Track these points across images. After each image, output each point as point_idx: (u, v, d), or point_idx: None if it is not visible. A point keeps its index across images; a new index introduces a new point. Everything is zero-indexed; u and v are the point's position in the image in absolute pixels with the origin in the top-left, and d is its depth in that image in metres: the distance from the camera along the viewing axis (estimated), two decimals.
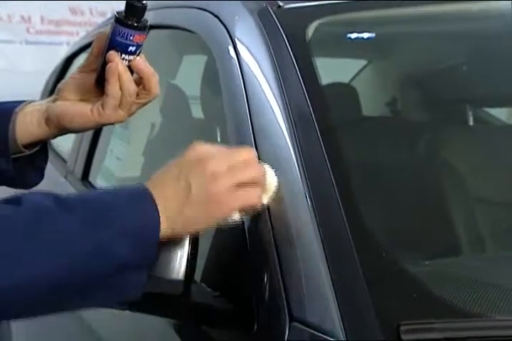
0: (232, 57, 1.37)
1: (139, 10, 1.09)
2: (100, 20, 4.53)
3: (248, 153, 1.03)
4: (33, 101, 1.22)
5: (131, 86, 1.12)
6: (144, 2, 1.10)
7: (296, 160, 1.14)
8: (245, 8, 1.46)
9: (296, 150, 1.15)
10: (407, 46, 1.70)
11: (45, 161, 1.25)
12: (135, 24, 1.10)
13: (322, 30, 1.46)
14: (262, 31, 1.36)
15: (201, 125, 1.93)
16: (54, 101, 1.18)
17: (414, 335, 0.93)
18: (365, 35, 1.63)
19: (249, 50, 1.36)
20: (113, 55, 1.11)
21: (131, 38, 1.10)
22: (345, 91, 1.81)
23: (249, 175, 1.00)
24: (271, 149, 1.16)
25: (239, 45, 1.38)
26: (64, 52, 3.14)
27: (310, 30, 1.41)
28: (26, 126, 1.17)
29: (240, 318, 1.08)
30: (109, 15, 4.74)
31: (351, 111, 1.64)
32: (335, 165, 1.13)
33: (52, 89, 2.70)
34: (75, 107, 1.16)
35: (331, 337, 0.94)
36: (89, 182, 2.17)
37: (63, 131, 1.19)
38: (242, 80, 1.31)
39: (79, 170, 2.22)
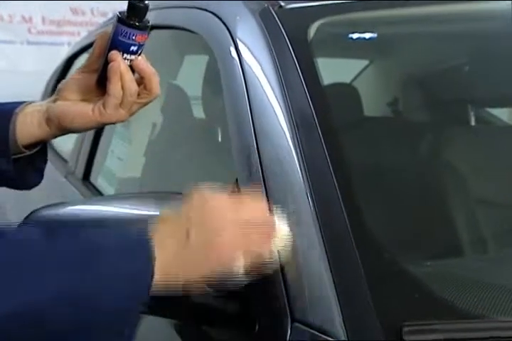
0: (233, 57, 1.36)
1: (141, 10, 1.10)
2: (101, 20, 4.53)
3: (256, 200, 1.00)
4: (33, 101, 1.22)
5: (132, 86, 1.13)
6: (146, 2, 1.11)
7: (298, 160, 1.13)
8: (247, 8, 1.46)
9: (298, 151, 1.15)
10: (409, 46, 1.70)
11: (45, 162, 1.25)
12: (137, 24, 1.10)
13: (324, 31, 1.46)
14: (264, 31, 1.36)
15: (202, 125, 1.93)
16: (54, 101, 1.18)
17: (416, 336, 0.93)
18: (367, 35, 1.63)
19: (250, 51, 1.36)
20: (115, 54, 1.11)
21: (134, 37, 1.11)
22: (346, 92, 1.81)
23: (257, 224, 0.96)
24: (272, 150, 1.16)
25: (240, 46, 1.37)
26: (65, 52, 3.14)
27: (311, 31, 1.40)
28: (27, 127, 1.17)
29: (241, 319, 1.08)
30: (110, 15, 4.74)
31: (353, 111, 1.64)
32: (337, 166, 1.13)
33: (53, 89, 2.69)
34: (76, 107, 1.16)
35: (333, 338, 0.94)
36: (90, 183, 2.17)
37: (64, 131, 1.19)
38: (243, 80, 1.31)
39: (80, 171, 2.22)
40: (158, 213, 0.99)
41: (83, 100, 1.17)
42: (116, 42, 1.11)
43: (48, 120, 1.17)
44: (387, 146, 1.42)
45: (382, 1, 1.55)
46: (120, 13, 1.11)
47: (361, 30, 1.59)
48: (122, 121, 1.18)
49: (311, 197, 1.08)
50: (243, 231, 0.93)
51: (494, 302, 1.02)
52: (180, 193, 1.12)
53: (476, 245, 1.32)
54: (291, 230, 1.01)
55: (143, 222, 0.94)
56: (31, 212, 1.10)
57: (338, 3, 1.53)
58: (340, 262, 1.01)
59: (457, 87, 1.71)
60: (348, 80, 2.03)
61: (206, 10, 1.56)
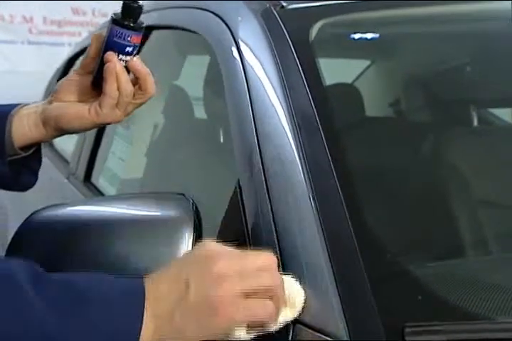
0: (235, 57, 1.36)
1: (136, 11, 1.11)
2: (102, 20, 4.53)
3: (265, 258, 0.91)
4: (28, 104, 1.23)
5: (128, 86, 1.14)
6: (140, 3, 1.12)
7: (300, 161, 1.13)
8: (248, 8, 1.46)
9: (300, 151, 1.14)
10: (411, 47, 1.70)
11: (40, 163, 1.26)
12: (132, 25, 1.12)
13: (325, 31, 1.46)
14: (266, 32, 1.36)
15: (204, 126, 1.93)
16: (50, 103, 1.19)
17: (418, 337, 0.93)
18: (369, 35, 1.63)
19: (252, 51, 1.36)
20: (111, 55, 1.12)
21: (129, 38, 1.12)
22: (348, 92, 1.81)
23: (262, 283, 0.88)
24: (274, 150, 1.15)
25: (242, 46, 1.37)
26: (66, 52, 3.14)
27: (313, 31, 1.40)
28: (23, 129, 1.18)
29: None
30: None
31: (355, 111, 1.64)
32: (338, 166, 1.13)
33: None
34: (72, 108, 1.17)
35: (335, 339, 0.94)
36: (92, 183, 2.17)
37: (60, 132, 1.20)
38: (245, 81, 1.30)
39: (81, 172, 2.22)
40: (158, 214, 0.99)
41: (79, 101, 1.18)
42: (112, 44, 1.13)
43: (45, 121, 1.18)
44: (388, 146, 1.42)
45: (384, 2, 1.55)
46: (115, 14, 1.12)
47: (363, 31, 1.59)
48: (118, 122, 1.19)
49: (313, 198, 1.08)
50: (246, 286, 0.86)
51: (496, 303, 1.01)
52: (182, 194, 1.13)
53: (479, 246, 1.31)
54: (305, 292, 0.95)
55: (138, 275, 0.87)
56: (32, 213, 1.10)
57: (339, 3, 1.53)
58: (343, 263, 1.01)
59: (459, 87, 1.71)
60: (349, 80, 2.03)
61: (208, 10, 1.56)
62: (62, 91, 1.19)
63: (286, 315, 0.93)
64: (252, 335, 0.88)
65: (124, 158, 2.11)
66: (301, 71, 1.27)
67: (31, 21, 5.70)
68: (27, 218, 1.09)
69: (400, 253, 1.14)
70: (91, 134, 2.16)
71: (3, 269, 0.82)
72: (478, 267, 1.21)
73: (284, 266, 1.03)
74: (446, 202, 1.34)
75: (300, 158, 1.14)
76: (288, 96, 1.23)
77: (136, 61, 1.14)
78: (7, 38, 5.64)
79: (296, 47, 1.31)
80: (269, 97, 1.26)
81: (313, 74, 1.29)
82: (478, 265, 1.23)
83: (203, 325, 0.83)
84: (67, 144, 2.51)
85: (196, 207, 0.99)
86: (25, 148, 1.20)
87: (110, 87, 1.13)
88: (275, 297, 0.89)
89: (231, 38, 1.41)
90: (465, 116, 1.73)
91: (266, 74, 1.29)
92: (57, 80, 2.53)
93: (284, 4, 1.44)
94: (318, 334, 0.96)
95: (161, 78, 1.99)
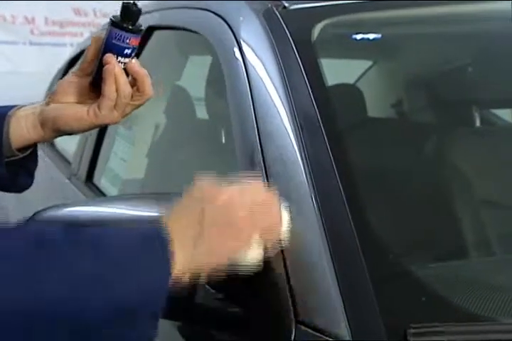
0: (237, 58, 1.36)
1: (135, 13, 1.12)
2: (104, 21, 4.53)
3: (256, 181, 1.03)
4: (24, 105, 1.23)
5: (126, 88, 1.15)
6: (139, 6, 1.13)
7: (302, 161, 1.13)
8: (250, 9, 1.46)
9: (302, 151, 1.14)
10: (413, 47, 1.69)
11: (36, 164, 1.26)
12: (130, 27, 1.13)
13: (328, 31, 1.46)
14: (268, 32, 1.36)
15: (206, 126, 1.93)
16: (47, 104, 1.20)
17: (420, 338, 0.93)
18: (371, 36, 1.63)
19: (254, 51, 1.36)
20: (110, 57, 1.13)
21: (128, 40, 1.13)
22: (350, 92, 1.80)
23: (262, 199, 0.99)
24: (277, 151, 1.15)
25: (244, 46, 1.37)
26: (67, 53, 3.14)
27: (315, 31, 1.40)
28: (20, 130, 1.19)
29: (246, 321, 1.08)
30: None
31: (357, 112, 1.64)
32: (340, 167, 1.13)
33: None
34: (70, 110, 1.18)
35: (337, 340, 0.94)
36: (94, 184, 2.17)
37: (58, 133, 1.21)
38: (247, 81, 1.30)
39: (83, 172, 2.22)
40: (162, 212, 0.99)
41: (77, 103, 1.19)
42: (111, 46, 1.14)
43: (43, 123, 1.19)
44: (390, 147, 1.42)
45: (386, 2, 1.55)
46: (114, 17, 1.14)
47: (365, 31, 1.59)
48: (115, 123, 1.20)
49: (315, 198, 1.08)
50: (254, 213, 0.96)
51: (499, 305, 1.01)
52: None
53: (481, 247, 1.31)
54: (290, 214, 1.03)
55: (155, 218, 0.94)
56: (34, 214, 1.10)
57: (342, 3, 1.52)
58: (345, 264, 1.01)
59: (462, 87, 1.71)
60: (351, 81, 2.03)
61: (210, 10, 1.56)
62: (60, 93, 1.20)
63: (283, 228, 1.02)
64: (263, 253, 0.98)
65: (125, 158, 2.11)
66: (303, 71, 1.27)
67: (33, 22, 5.70)
68: (28, 219, 1.09)
69: (403, 253, 1.14)
70: (93, 135, 2.16)
71: (32, 226, 0.91)
72: (481, 268, 1.21)
73: (287, 267, 1.03)
74: (449, 202, 1.34)
75: (302, 159, 1.13)
76: (290, 97, 1.23)
77: (134, 63, 1.16)
78: (9, 38, 5.64)
79: (298, 48, 1.31)
80: (271, 98, 1.26)
81: (315, 75, 1.29)
82: (481, 266, 1.23)
83: (225, 245, 0.94)
84: (68, 144, 2.51)
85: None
86: (22, 149, 1.20)
87: (109, 89, 1.14)
88: (277, 215, 1.00)
89: (233, 38, 1.41)
90: (467, 117, 1.73)
91: (268, 75, 1.29)
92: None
93: (286, 4, 1.44)
94: (321, 335, 0.96)
95: (163, 78, 2.00)
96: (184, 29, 1.72)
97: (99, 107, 1.15)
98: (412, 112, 1.80)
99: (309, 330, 0.98)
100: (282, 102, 1.23)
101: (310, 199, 1.08)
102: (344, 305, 0.96)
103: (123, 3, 1.12)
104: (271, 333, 1.03)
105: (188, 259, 0.91)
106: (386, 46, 1.76)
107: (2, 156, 1.18)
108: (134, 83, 1.16)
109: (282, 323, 1.01)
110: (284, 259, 1.05)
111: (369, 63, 2.15)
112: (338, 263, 1.00)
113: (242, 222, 0.95)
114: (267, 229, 0.98)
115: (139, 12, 1.12)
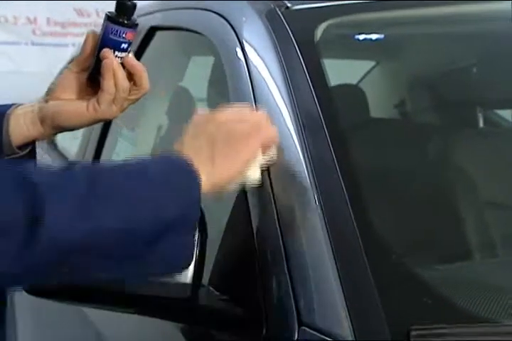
0: (239, 58, 1.36)
1: (130, 8, 1.14)
2: None
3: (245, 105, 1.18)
4: (22, 104, 1.24)
5: (125, 82, 1.16)
6: (134, 1, 1.15)
7: (305, 162, 1.13)
8: (253, 9, 1.46)
9: (305, 152, 1.14)
10: (416, 47, 1.69)
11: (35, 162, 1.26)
12: (126, 22, 1.15)
13: (330, 32, 1.46)
14: (270, 32, 1.36)
15: None
16: (46, 101, 1.21)
17: (424, 339, 0.93)
18: (374, 36, 1.63)
19: (257, 52, 1.35)
20: (107, 52, 1.15)
21: (124, 35, 1.15)
22: (353, 93, 1.80)
23: (257, 116, 1.10)
24: (279, 152, 1.15)
25: (246, 47, 1.37)
26: (69, 53, 3.14)
27: (318, 32, 1.40)
28: (20, 128, 1.20)
29: (248, 322, 1.08)
30: None
31: (359, 112, 1.64)
32: (343, 167, 1.13)
33: None
34: (70, 106, 1.19)
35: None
36: None
37: (58, 129, 1.22)
38: (249, 82, 1.30)
39: None
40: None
41: (75, 99, 1.20)
42: (107, 41, 1.15)
43: (42, 120, 1.20)
44: (393, 147, 1.41)
45: (389, 2, 1.55)
46: (109, 12, 1.15)
47: (368, 31, 1.58)
48: (114, 117, 1.22)
49: (318, 199, 1.08)
50: (253, 125, 1.06)
51: (504, 306, 1.01)
52: None
53: (486, 248, 1.31)
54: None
55: (171, 151, 1.06)
56: None
57: (344, 4, 1.52)
58: (348, 265, 1.00)
59: (465, 88, 1.70)
60: (354, 81, 2.03)
61: (212, 11, 1.56)
62: (58, 90, 1.21)
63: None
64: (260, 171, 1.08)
65: (128, 159, 2.11)
66: (305, 72, 1.27)
67: (35, 22, 5.70)
68: None
69: (406, 254, 1.14)
70: (95, 135, 2.16)
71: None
72: (485, 269, 1.21)
73: (290, 269, 1.03)
74: (453, 203, 1.33)
75: (305, 159, 1.13)
76: (293, 97, 1.23)
77: (131, 57, 1.17)
78: (11, 39, 5.63)
79: (301, 48, 1.31)
80: (273, 98, 1.26)
81: (318, 75, 1.29)
82: (486, 267, 1.23)
83: (237, 157, 1.04)
84: (70, 145, 2.51)
85: (200, 208, 0.99)
86: (22, 146, 1.21)
87: (108, 83, 1.15)
88: (272, 132, 1.11)
89: (235, 38, 1.40)
90: (471, 118, 1.73)
91: (270, 75, 1.29)
92: None
93: (289, 5, 1.44)
94: (324, 337, 0.96)
95: (165, 79, 1.99)
96: (186, 30, 1.72)
97: (98, 102, 1.17)
98: (415, 113, 1.79)
99: (312, 331, 0.97)
100: (285, 103, 1.23)
101: (313, 199, 1.07)
102: (347, 305, 0.96)
103: None
104: (274, 335, 1.03)
105: (210, 177, 1.00)
106: (389, 46, 1.76)
107: (2, 154, 1.18)
108: (130, 78, 1.17)
109: (285, 325, 1.00)
110: (287, 259, 1.04)
111: (372, 63, 2.14)
112: (340, 263, 1.00)
113: (247, 133, 1.05)
114: (267, 140, 1.08)
115: (133, 6, 1.14)
